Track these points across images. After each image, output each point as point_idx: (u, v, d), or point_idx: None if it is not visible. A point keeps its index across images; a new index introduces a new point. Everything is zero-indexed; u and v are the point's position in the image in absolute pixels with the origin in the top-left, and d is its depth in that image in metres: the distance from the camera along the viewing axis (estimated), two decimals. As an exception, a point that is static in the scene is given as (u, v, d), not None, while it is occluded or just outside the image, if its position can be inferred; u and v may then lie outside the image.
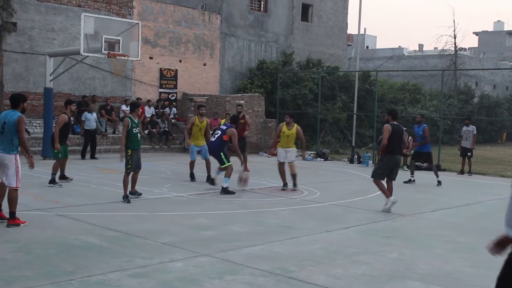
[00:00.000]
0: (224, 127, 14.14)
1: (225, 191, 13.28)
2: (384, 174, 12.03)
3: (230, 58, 29.12)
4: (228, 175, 13.51)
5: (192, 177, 15.39)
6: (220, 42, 28.59)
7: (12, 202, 9.06)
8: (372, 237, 9.38)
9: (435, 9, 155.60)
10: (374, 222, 10.65)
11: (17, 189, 9.15)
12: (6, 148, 9.09)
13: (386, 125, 12.03)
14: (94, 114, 20.64)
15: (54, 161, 14.03)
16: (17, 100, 9.33)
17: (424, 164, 21.16)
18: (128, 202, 11.72)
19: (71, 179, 14.40)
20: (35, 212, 10.29)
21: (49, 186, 13.55)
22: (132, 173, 12.12)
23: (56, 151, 13.91)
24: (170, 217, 10.49)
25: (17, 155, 9.23)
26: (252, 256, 7.79)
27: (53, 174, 13.77)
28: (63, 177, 14.32)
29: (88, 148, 20.29)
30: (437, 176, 16.92)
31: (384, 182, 12.07)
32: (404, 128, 21.91)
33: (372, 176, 12.14)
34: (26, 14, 22.09)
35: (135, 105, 12.63)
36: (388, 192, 11.91)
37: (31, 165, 9.41)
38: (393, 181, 12.22)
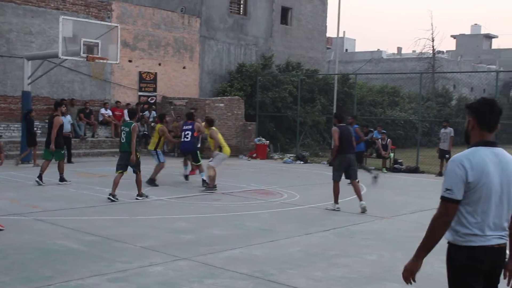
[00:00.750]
0: (190, 126, 15.55)
1: (205, 182, 14.87)
2: (340, 174, 12.34)
3: (209, 61, 29.10)
4: (202, 170, 15.30)
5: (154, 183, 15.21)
6: (200, 45, 28.55)
7: None
8: (352, 240, 9.43)
9: (414, 13, 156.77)
10: (354, 225, 10.70)
11: None
12: None
13: (333, 128, 12.52)
14: (68, 117, 20.42)
15: (43, 161, 14.82)
16: None
17: (403, 167, 21.35)
18: (147, 197, 12.82)
19: (44, 184, 14.36)
20: (13, 216, 10.21)
21: (59, 184, 14.48)
22: (118, 175, 12.59)
23: (51, 151, 14.65)
24: (150, 221, 10.46)
25: None
26: (232, 260, 7.80)
27: (61, 173, 14.75)
28: (41, 177, 14.46)
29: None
30: (370, 172, 17.34)
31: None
32: (383, 131, 22.23)
33: (332, 179, 12.42)
34: (3, 17, 21.88)
35: (135, 112, 13.62)
36: (337, 198, 12.29)
37: (1, 162, 9.72)
38: (357, 181, 12.61)
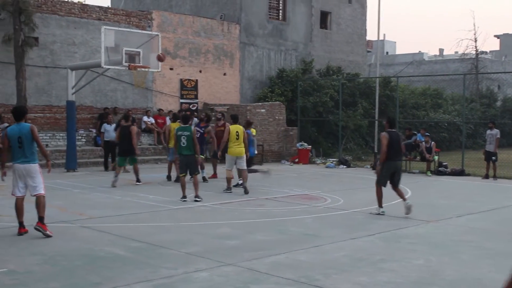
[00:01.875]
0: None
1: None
2: (386, 180, 12.09)
3: (250, 67, 29.17)
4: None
5: (169, 179, 17.35)
6: (240, 52, 28.64)
7: (42, 208, 9.38)
8: (397, 244, 9.30)
9: (455, 13, 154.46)
10: (399, 229, 10.56)
11: (44, 196, 9.49)
12: (30, 159, 9.42)
13: (383, 133, 12.16)
14: (114, 125, 20.69)
15: (132, 165, 16.87)
16: (22, 113, 9.69)
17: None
18: (201, 199, 13.31)
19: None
20: (61, 224, 10.37)
21: (137, 184, 16.29)
22: (183, 176, 13.58)
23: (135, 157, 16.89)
24: (194, 227, 10.51)
25: (38, 165, 9.55)
26: (277, 265, 7.77)
27: (137, 175, 16.62)
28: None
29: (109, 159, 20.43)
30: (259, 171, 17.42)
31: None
32: (427, 133, 21.93)
33: (376, 183, 12.23)
34: (47, 29, 22.34)
35: (189, 117, 14.34)
36: (381, 202, 12.12)
37: (49, 170, 9.91)
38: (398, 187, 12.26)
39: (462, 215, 12.21)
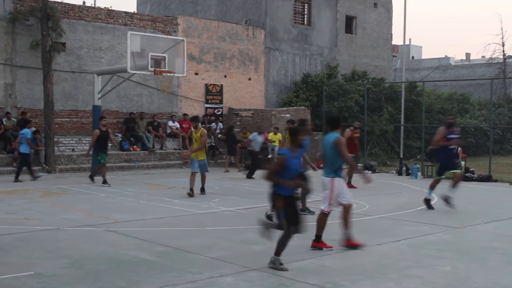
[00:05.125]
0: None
1: None
2: None
3: (274, 72, 29.16)
4: None
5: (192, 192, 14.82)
6: (265, 57, 28.65)
7: (317, 225, 9.15)
8: (424, 250, 9.19)
9: (482, 17, 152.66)
10: (426, 235, 10.44)
11: (325, 214, 9.18)
12: (326, 171, 9.22)
13: None
14: (262, 137, 20.92)
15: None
16: (335, 122, 9.34)
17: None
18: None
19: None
20: (86, 228, 10.44)
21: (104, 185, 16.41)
22: None
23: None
24: (219, 231, 10.50)
25: (335, 179, 9.14)
26: (302, 270, 7.72)
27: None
28: None
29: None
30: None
31: None
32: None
33: None
34: (74, 34, 22.56)
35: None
36: None
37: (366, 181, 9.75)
38: None
39: (490, 222, 12.03)
